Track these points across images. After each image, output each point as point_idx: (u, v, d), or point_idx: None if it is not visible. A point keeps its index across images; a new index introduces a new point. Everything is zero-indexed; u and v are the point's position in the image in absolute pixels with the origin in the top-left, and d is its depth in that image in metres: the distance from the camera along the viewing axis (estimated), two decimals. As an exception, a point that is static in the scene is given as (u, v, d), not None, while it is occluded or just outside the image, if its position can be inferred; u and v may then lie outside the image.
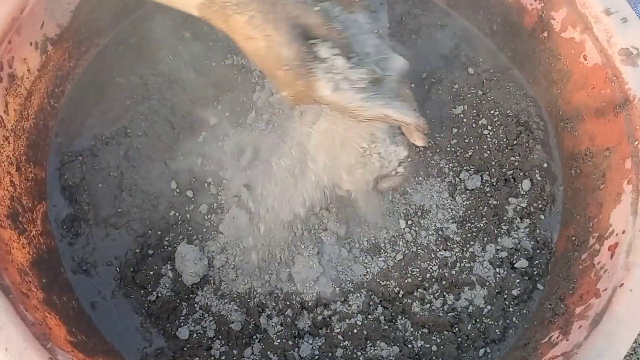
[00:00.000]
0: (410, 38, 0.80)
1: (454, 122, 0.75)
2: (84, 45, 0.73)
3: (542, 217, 0.71)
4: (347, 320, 0.65)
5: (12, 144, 0.63)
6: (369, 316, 0.65)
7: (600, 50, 0.65)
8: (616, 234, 0.59)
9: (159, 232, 0.68)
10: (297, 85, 0.51)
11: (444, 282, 0.67)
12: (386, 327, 0.65)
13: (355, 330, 0.64)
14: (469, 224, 0.70)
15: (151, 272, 0.66)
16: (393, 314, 0.66)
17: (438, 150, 0.74)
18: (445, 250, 0.68)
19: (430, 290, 0.67)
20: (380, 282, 0.66)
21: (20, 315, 0.49)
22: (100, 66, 0.75)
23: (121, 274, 0.66)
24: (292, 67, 0.49)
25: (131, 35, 0.77)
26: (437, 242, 0.69)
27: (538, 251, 0.69)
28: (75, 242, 0.67)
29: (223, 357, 0.63)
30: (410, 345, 0.64)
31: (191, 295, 0.65)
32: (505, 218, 0.71)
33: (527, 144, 0.74)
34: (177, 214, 0.69)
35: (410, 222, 0.69)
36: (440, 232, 0.69)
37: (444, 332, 0.65)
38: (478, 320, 0.66)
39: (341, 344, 0.64)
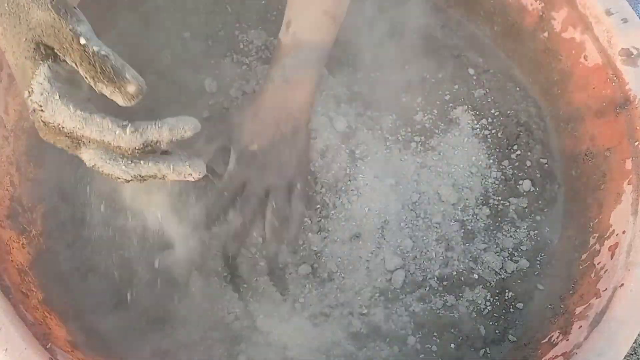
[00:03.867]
0: (410, 38, 0.80)
1: (454, 123, 0.75)
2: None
3: (542, 217, 0.71)
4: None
5: (12, 144, 0.63)
6: (369, 315, 0.65)
7: (600, 51, 0.65)
8: (616, 234, 0.59)
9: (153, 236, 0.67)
10: (35, 120, 0.43)
11: (444, 282, 0.67)
12: (386, 326, 0.65)
13: (355, 330, 0.64)
14: (469, 224, 0.70)
15: (147, 277, 0.65)
16: (393, 313, 0.66)
17: (439, 151, 0.74)
18: (445, 250, 0.68)
19: (430, 290, 0.67)
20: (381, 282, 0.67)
21: (20, 315, 0.49)
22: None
23: (120, 276, 0.66)
24: (30, 95, 0.42)
25: (130, 35, 0.77)
26: (438, 242, 0.69)
27: (538, 251, 0.69)
28: (74, 245, 0.67)
29: (223, 357, 0.63)
30: (410, 346, 0.64)
31: (188, 296, 0.65)
32: (505, 218, 0.71)
33: (527, 144, 0.74)
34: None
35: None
36: (440, 232, 0.69)
37: (444, 333, 0.65)
38: (478, 320, 0.66)
39: (340, 343, 0.64)
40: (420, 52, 0.79)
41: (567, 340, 0.56)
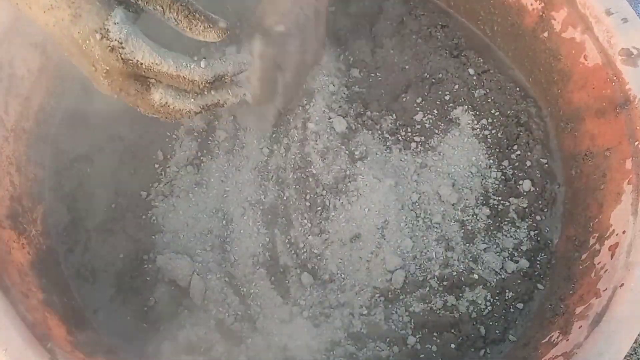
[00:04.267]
0: (410, 38, 0.80)
1: (454, 123, 0.75)
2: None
3: (542, 217, 0.71)
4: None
5: (12, 144, 0.63)
6: (369, 315, 0.65)
7: (600, 51, 0.65)
8: (616, 234, 0.59)
9: (154, 237, 0.67)
10: (111, 59, 0.45)
11: (444, 283, 0.67)
12: (386, 326, 0.65)
13: (355, 330, 0.64)
14: (469, 225, 0.70)
15: (147, 278, 0.65)
16: (393, 313, 0.66)
17: (439, 151, 0.74)
18: (445, 250, 0.68)
19: (430, 291, 0.67)
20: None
21: (20, 315, 0.49)
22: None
23: (119, 279, 0.66)
24: (104, 36, 0.45)
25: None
26: (438, 243, 0.69)
27: (538, 251, 0.69)
28: (74, 248, 0.67)
29: (223, 358, 0.63)
30: (410, 346, 0.64)
31: (189, 297, 0.65)
32: (505, 218, 0.71)
33: (527, 144, 0.74)
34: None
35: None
36: (440, 233, 0.69)
37: (444, 333, 0.65)
38: (478, 320, 0.66)
39: (340, 343, 0.64)
40: (420, 52, 0.79)
41: (567, 340, 0.56)
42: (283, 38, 0.61)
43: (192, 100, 0.49)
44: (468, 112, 0.76)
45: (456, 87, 0.77)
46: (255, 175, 0.71)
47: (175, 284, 0.65)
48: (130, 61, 0.45)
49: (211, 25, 0.47)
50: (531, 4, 0.73)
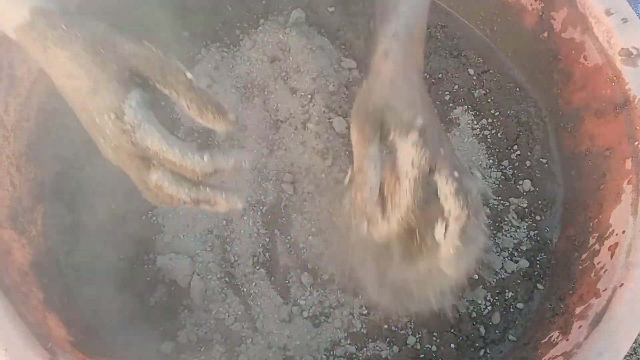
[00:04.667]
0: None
1: (454, 123, 0.75)
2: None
3: (542, 217, 0.71)
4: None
5: (12, 144, 0.63)
6: (370, 315, 0.65)
7: (600, 51, 0.65)
8: (616, 234, 0.59)
9: (154, 237, 0.67)
10: (122, 139, 0.46)
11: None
12: (386, 326, 0.65)
13: (355, 330, 0.64)
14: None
15: (147, 278, 0.65)
16: (393, 313, 0.65)
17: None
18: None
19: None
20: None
21: (21, 315, 0.49)
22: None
23: (119, 279, 0.66)
24: (119, 117, 0.45)
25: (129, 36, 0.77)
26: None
27: (538, 251, 0.69)
28: (74, 248, 0.67)
29: (223, 358, 0.63)
30: (410, 346, 0.64)
31: (189, 297, 0.65)
32: (505, 218, 0.71)
33: (527, 144, 0.74)
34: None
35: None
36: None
37: (444, 332, 0.65)
38: (478, 320, 0.66)
39: (340, 343, 0.64)
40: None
41: (567, 340, 0.56)
42: (424, 128, 0.55)
43: (186, 189, 0.48)
44: (468, 112, 0.76)
45: (456, 87, 0.77)
46: (255, 175, 0.71)
47: (175, 284, 0.65)
48: (139, 144, 0.46)
49: (221, 117, 0.47)
50: (531, 4, 0.73)
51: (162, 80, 0.46)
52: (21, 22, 0.46)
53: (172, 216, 0.68)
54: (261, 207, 0.69)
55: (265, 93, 0.75)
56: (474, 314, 0.66)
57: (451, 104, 0.76)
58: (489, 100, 0.77)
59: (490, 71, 0.79)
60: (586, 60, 0.68)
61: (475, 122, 0.75)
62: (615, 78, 0.64)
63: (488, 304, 0.66)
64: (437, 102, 0.76)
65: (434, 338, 0.64)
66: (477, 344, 0.64)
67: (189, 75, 0.46)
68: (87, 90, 0.46)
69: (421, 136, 0.51)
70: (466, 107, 0.76)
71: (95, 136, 0.48)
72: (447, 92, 0.77)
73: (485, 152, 0.74)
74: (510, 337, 0.65)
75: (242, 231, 0.68)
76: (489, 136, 0.74)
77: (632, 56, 0.62)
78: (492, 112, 0.76)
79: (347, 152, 0.72)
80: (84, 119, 0.48)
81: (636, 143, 0.61)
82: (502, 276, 0.68)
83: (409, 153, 0.51)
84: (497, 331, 0.65)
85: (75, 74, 0.46)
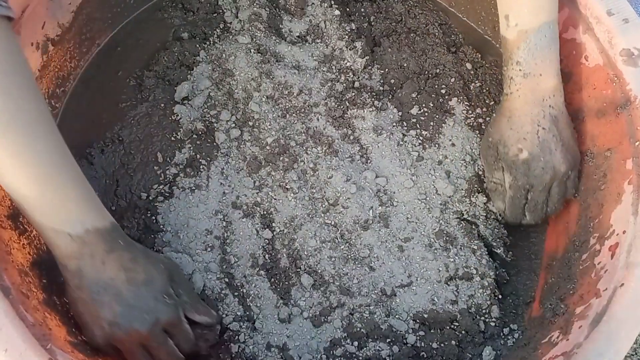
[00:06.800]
0: (409, 36, 0.80)
1: (449, 113, 0.75)
2: (85, 46, 0.73)
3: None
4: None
5: (12, 144, 0.63)
6: (370, 315, 0.65)
7: (601, 51, 0.65)
8: (617, 234, 0.59)
9: (154, 237, 0.67)
10: (108, 343, 0.55)
11: (444, 277, 0.67)
12: (386, 326, 0.65)
13: (355, 330, 0.64)
14: (468, 215, 0.70)
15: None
16: (393, 312, 0.66)
17: (436, 144, 0.74)
18: (445, 243, 0.68)
19: (431, 286, 0.67)
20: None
21: (20, 316, 0.49)
22: (99, 67, 0.75)
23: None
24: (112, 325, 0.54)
25: (129, 36, 0.77)
26: (437, 236, 0.69)
27: (538, 251, 0.69)
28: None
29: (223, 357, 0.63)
30: (410, 344, 0.64)
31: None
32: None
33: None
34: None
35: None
36: (439, 226, 0.69)
37: (445, 329, 0.65)
38: (478, 319, 0.66)
39: (340, 343, 0.64)
40: (419, 49, 0.79)
41: (567, 340, 0.56)
42: (527, 164, 0.65)
43: None
44: (462, 103, 0.76)
45: (452, 80, 0.77)
46: (254, 177, 0.71)
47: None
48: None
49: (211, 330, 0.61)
50: (532, 4, 0.73)
51: (172, 332, 0.57)
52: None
53: (172, 216, 0.68)
54: (261, 209, 0.69)
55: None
56: (474, 313, 0.66)
57: (447, 96, 0.77)
58: (484, 91, 0.78)
59: (487, 65, 0.79)
60: (587, 60, 0.68)
61: (469, 112, 0.76)
62: (616, 78, 0.64)
63: (489, 303, 0.66)
64: (433, 95, 0.77)
65: (434, 335, 0.64)
66: (477, 340, 0.64)
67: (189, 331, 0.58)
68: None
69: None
70: (461, 97, 0.77)
71: (82, 321, 0.56)
72: (443, 86, 0.77)
73: (479, 139, 0.74)
74: (510, 337, 0.65)
75: (241, 232, 0.68)
76: (483, 124, 0.75)
77: (633, 56, 0.62)
78: (486, 102, 0.77)
79: (344, 150, 0.72)
80: (77, 303, 0.56)
81: (637, 143, 0.61)
82: (503, 276, 0.68)
83: None
84: (497, 331, 0.65)
85: (79, 252, 0.55)
